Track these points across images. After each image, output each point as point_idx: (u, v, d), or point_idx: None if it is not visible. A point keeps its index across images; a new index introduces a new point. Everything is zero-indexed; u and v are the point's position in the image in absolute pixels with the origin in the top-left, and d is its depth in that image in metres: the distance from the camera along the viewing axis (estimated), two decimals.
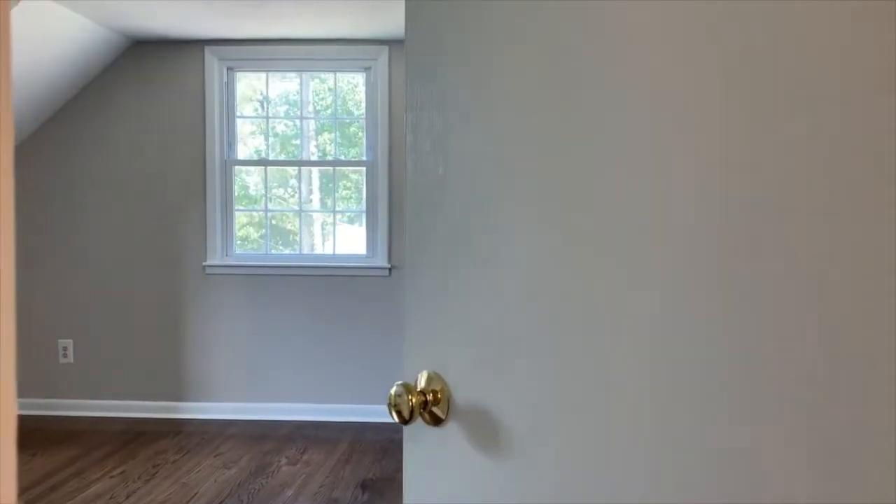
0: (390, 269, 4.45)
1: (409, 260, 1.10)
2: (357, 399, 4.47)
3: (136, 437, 4.18)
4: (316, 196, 4.79)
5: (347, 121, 4.68)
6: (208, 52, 4.44)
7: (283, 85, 4.70)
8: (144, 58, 4.48)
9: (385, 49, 4.38)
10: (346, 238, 4.66)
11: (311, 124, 4.76)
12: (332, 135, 4.70)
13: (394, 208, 4.44)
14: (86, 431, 4.30)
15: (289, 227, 4.78)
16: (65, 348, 4.60)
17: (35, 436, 4.20)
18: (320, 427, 4.37)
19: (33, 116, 4.41)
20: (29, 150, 4.54)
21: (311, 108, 4.73)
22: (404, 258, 1.14)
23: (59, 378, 4.60)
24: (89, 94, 4.51)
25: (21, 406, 4.60)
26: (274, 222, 4.76)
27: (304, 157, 4.69)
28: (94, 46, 4.21)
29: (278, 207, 4.77)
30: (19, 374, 4.38)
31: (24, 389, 4.61)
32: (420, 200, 1.07)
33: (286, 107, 4.72)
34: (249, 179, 4.69)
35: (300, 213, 4.70)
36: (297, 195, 4.73)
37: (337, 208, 4.66)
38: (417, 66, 1.06)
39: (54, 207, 4.55)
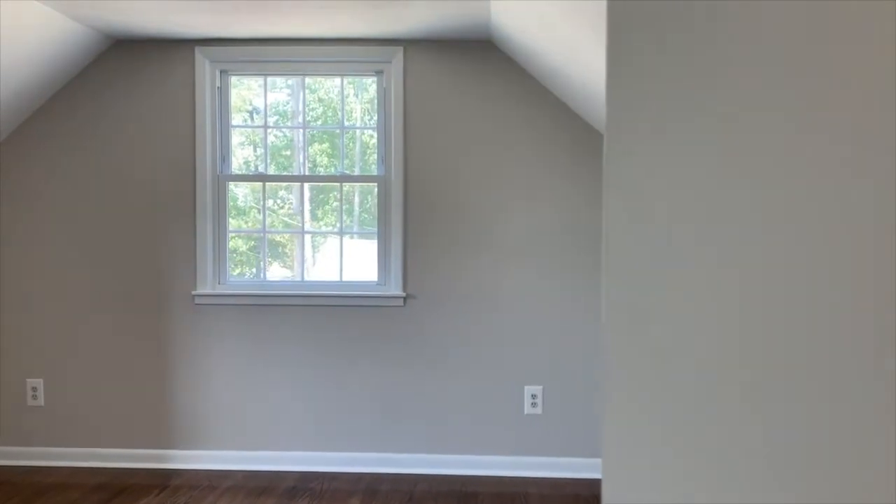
0: (405, 298, 3.95)
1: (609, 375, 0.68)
2: (370, 447, 3.96)
3: (116, 494, 3.64)
4: (306, 209, 4.28)
5: (339, 131, 4.18)
6: (199, 52, 3.92)
7: (273, 95, 4.19)
8: (127, 59, 3.94)
9: (399, 50, 3.89)
10: (345, 256, 4.15)
11: (304, 135, 4.24)
12: (324, 146, 4.20)
13: (409, 229, 3.94)
14: (59, 486, 3.75)
15: (278, 238, 4.27)
16: (34, 389, 4.04)
17: (1, 492, 3.65)
18: (329, 479, 3.85)
19: None
20: None
21: (300, 118, 4.22)
22: (602, 369, 0.71)
23: (28, 423, 4.05)
24: (63, 100, 3.97)
25: None
26: (266, 235, 4.25)
27: (297, 169, 4.18)
28: (68, 46, 3.67)
29: (270, 222, 4.25)
30: None
31: None
32: (633, 297, 0.63)
33: (276, 117, 4.22)
34: (238, 191, 4.18)
35: (302, 233, 4.19)
36: (286, 206, 4.24)
37: (332, 225, 4.16)
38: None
39: (21, 227, 4.00)
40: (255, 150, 4.22)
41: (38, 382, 4.04)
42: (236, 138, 4.15)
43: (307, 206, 4.20)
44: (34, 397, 4.04)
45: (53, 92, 3.95)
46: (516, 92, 3.86)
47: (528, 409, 3.90)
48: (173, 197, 3.98)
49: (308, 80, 4.16)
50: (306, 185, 4.17)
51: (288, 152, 4.21)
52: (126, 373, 4.02)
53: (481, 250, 3.91)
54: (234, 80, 4.08)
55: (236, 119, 4.14)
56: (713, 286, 0.70)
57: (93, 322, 4.01)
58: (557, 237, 3.87)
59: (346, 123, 4.15)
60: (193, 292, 3.96)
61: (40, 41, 3.50)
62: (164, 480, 3.82)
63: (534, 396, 3.89)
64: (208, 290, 3.98)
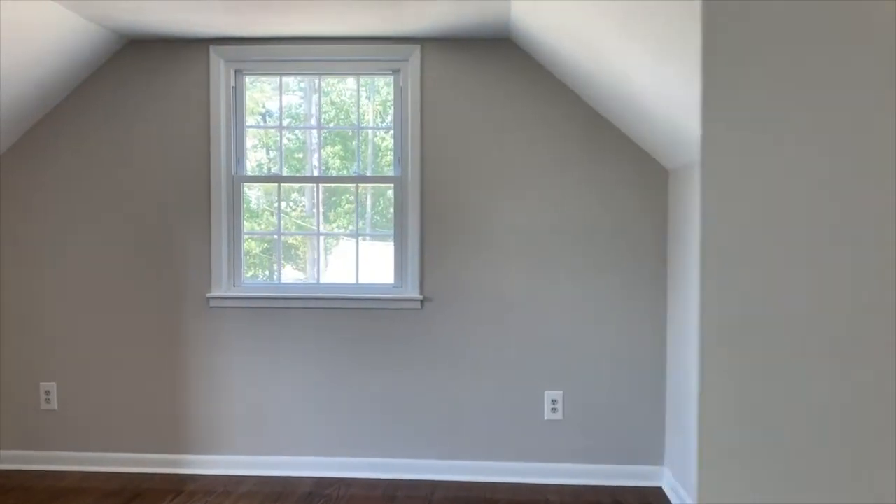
0: (422, 301, 3.88)
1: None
2: (386, 452, 3.89)
3: (130, 500, 3.59)
4: (320, 211, 4.23)
5: (355, 131, 4.12)
6: (214, 52, 3.86)
7: (286, 98, 4.13)
8: (141, 59, 3.89)
9: (416, 48, 3.82)
10: (349, 259, 4.10)
11: (314, 137, 4.18)
12: (336, 148, 4.14)
13: (426, 230, 3.87)
14: (73, 490, 3.70)
15: (290, 240, 4.22)
16: (47, 392, 3.99)
17: (14, 496, 3.61)
18: (345, 485, 3.78)
19: (7, 128, 3.82)
20: (6, 168, 3.95)
21: (313, 121, 4.16)
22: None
23: (41, 427, 4.00)
24: (76, 101, 3.92)
25: None
26: (279, 237, 4.20)
27: (309, 171, 4.13)
28: (81, 45, 3.62)
29: (283, 224, 4.19)
30: None
31: None
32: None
33: (288, 120, 4.16)
34: (251, 193, 4.12)
35: (318, 234, 4.12)
36: (298, 209, 4.18)
37: (344, 228, 4.11)
38: None
39: (33, 229, 3.96)
40: (267, 153, 4.17)
41: (52, 386, 3.99)
42: (249, 140, 4.09)
43: (321, 209, 4.15)
44: (47, 401, 3.99)
45: (67, 92, 3.91)
46: (536, 90, 3.79)
47: (547, 415, 3.82)
48: (188, 198, 3.92)
49: (320, 83, 4.10)
50: (319, 187, 4.11)
51: (300, 155, 4.16)
52: (140, 376, 3.97)
53: (500, 252, 3.83)
54: (247, 81, 4.02)
55: (249, 121, 4.07)
56: (818, 293, 0.63)
57: (106, 325, 3.96)
58: (578, 238, 3.80)
59: (346, 129, 4.08)
60: (208, 294, 3.91)
61: (53, 40, 3.46)
62: (178, 486, 3.77)
63: (554, 402, 3.82)
64: (223, 293, 3.92)
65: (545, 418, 3.83)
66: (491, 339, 3.84)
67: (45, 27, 3.32)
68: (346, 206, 4.15)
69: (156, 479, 3.86)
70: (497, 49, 3.80)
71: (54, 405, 4.00)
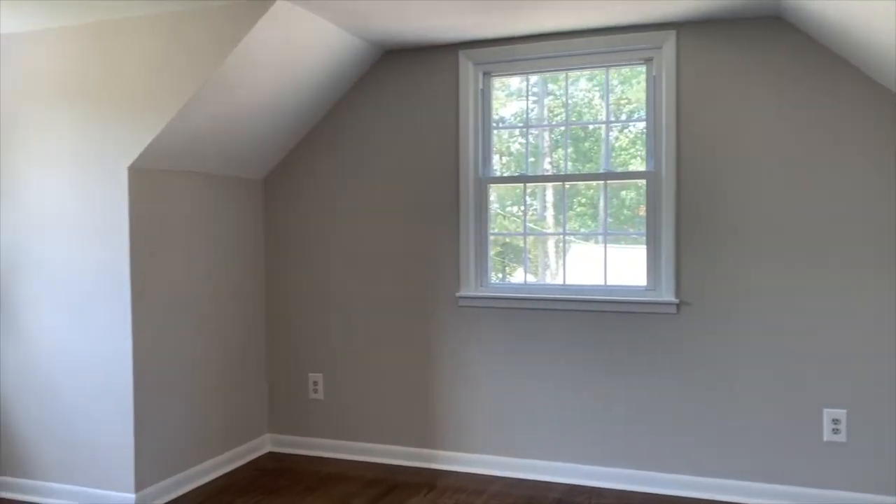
0: (678, 305, 3.61)
1: None
2: (640, 464, 3.68)
3: (388, 491, 3.74)
4: (550, 214, 4.11)
5: (583, 131, 3.93)
6: (463, 55, 3.91)
7: (518, 104, 4.07)
8: (396, 68, 4.05)
9: (671, 34, 3.57)
10: (580, 261, 3.95)
11: (546, 141, 4.09)
12: (568, 151, 4.00)
13: (682, 228, 3.60)
14: (337, 476, 3.95)
15: (520, 243, 4.15)
16: (315, 383, 4.31)
17: (287, 478, 3.92)
18: (597, 494, 3.64)
19: (280, 141, 4.16)
20: (278, 179, 4.32)
21: (545, 121, 4.04)
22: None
23: (309, 414, 4.33)
24: (338, 113, 4.19)
25: (271, 442, 4.40)
26: (508, 240, 4.16)
27: (540, 173, 4.06)
28: (344, 59, 3.85)
29: (515, 227, 4.13)
30: (270, 407, 4.13)
31: (275, 425, 4.39)
32: None
33: (520, 126, 4.08)
34: None
35: (564, 234, 4.02)
36: (530, 212, 4.11)
37: (572, 229, 3.96)
38: None
39: (305, 233, 4.29)
40: (500, 159, 4.15)
41: (319, 377, 4.30)
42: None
43: (553, 211, 4.07)
44: (315, 391, 4.31)
45: (326, 109, 4.18)
46: (811, 72, 3.36)
47: (827, 436, 3.38)
48: (438, 201, 4.02)
49: (550, 85, 4.01)
50: (544, 188, 4.02)
51: (532, 159, 4.08)
52: (396, 370, 4.14)
53: (769, 252, 3.46)
54: (499, 79, 4.02)
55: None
56: None
57: (366, 321, 4.19)
58: (865, 234, 3.31)
59: (591, 125, 3.91)
60: (457, 294, 3.97)
61: (324, 55, 3.70)
62: (431, 480, 3.87)
63: (835, 421, 3.36)
64: (471, 292, 3.96)
65: (824, 440, 3.39)
66: (758, 349, 3.48)
67: (318, 43, 3.56)
68: (578, 209, 4.01)
69: (409, 471, 4.00)
70: (764, 29, 3.43)
71: (321, 395, 4.30)
